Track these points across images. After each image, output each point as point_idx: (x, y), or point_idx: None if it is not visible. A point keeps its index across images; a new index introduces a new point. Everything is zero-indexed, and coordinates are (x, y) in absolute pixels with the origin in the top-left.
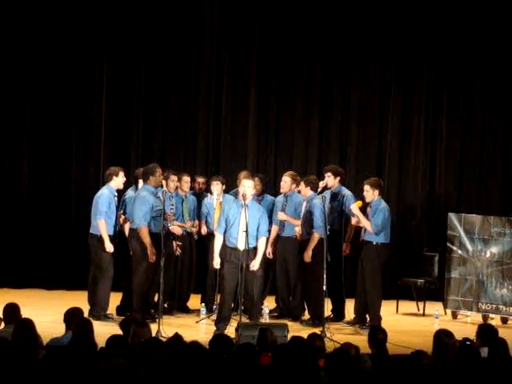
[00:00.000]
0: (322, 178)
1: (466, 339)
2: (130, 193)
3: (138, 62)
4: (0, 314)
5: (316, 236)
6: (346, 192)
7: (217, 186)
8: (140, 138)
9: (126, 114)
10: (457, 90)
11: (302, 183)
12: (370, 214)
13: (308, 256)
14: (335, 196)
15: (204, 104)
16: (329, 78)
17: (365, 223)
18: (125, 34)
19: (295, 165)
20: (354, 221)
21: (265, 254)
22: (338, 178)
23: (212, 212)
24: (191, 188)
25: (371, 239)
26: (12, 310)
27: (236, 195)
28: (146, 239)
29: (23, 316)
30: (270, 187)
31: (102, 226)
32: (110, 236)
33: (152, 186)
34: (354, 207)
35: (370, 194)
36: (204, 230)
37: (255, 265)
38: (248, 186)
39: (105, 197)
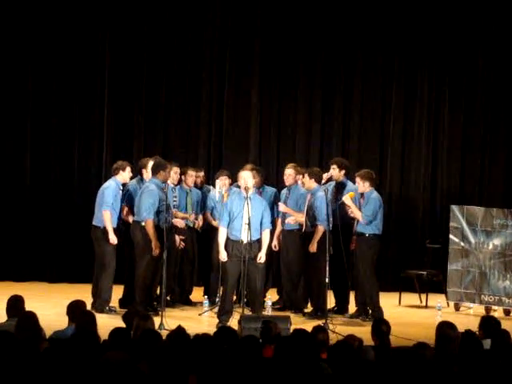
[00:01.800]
0: (326, 170)
1: (468, 331)
2: (133, 183)
3: (141, 55)
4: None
5: (320, 229)
6: (350, 185)
7: (225, 181)
8: (142, 131)
9: (129, 107)
10: (459, 82)
11: (306, 175)
12: (363, 205)
13: (313, 248)
14: (340, 188)
15: (206, 97)
16: (331, 70)
17: (356, 213)
18: (127, 27)
19: (297, 157)
20: (349, 211)
21: (269, 246)
22: (343, 171)
23: (218, 206)
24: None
25: (364, 231)
26: (16, 302)
27: (239, 187)
28: (151, 232)
29: (26, 309)
30: (272, 179)
31: (107, 217)
32: (113, 228)
33: (160, 181)
34: (347, 198)
35: (361, 185)
36: (208, 219)
37: (261, 257)
38: (247, 176)
39: (111, 189)
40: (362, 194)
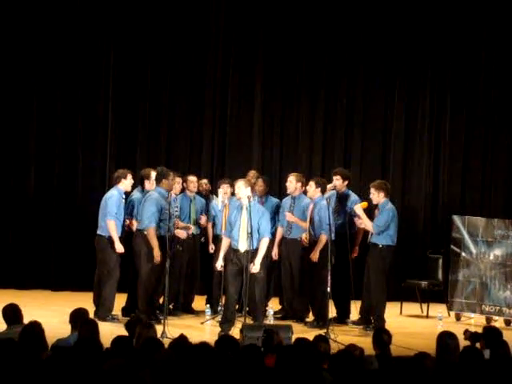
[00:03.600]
0: (329, 181)
1: (476, 333)
2: (136, 194)
3: (145, 62)
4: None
5: (323, 238)
6: (353, 196)
7: (227, 189)
8: (146, 139)
9: (132, 115)
10: (460, 91)
11: (313, 183)
12: (377, 215)
13: (315, 257)
14: (343, 199)
15: (209, 105)
16: (333, 79)
17: (367, 223)
18: (131, 34)
19: (300, 166)
20: (358, 222)
21: (270, 255)
22: (346, 182)
23: (219, 215)
24: (197, 191)
25: (377, 241)
26: (13, 310)
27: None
28: (153, 240)
29: (29, 317)
30: (275, 188)
31: (112, 226)
32: (119, 237)
33: (164, 189)
34: (358, 208)
35: (376, 196)
36: (209, 229)
37: (254, 266)
38: (237, 187)
39: (115, 198)
40: (375, 205)
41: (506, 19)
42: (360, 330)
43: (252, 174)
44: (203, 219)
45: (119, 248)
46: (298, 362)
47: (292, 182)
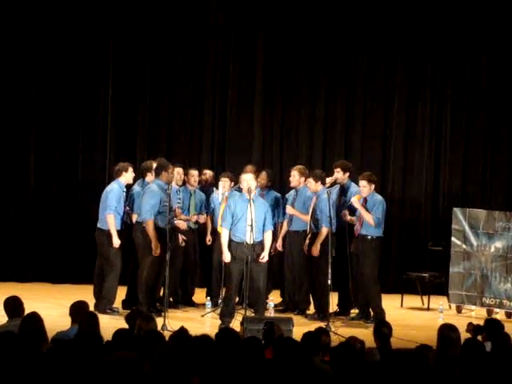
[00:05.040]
0: (329, 174)
1: (479, 326)
2: (136, 188)
3: (144, 56)
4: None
5: (324, 230)
6: (353, 188)
7: (225, 183)
8: (146, 132)
9: (132, 108)
10: (461, 84)
11: (311, 179)
12: (369, 208)
13: (316, 250)
14: (345, 191)
15: (210, 98)
16: (334, 72)
17: (366, 216)
18: (131, 28)
19: (300, 159)
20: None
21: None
22: (348, 174)
23: (218, 207)
24: (198, 182)
25: (366, 233)
26: (15, 303)
27: (240, 190)
28: (151, 232)
29: (29, 309)
30: (275, 182)
31: (111, 220)
32: (117, 231)
33: (163, 182)
34: (355, 200)
35: (368, 188)
36: (208, 222)
37: (264, 257)
38: (249, 179)
39: (115, 192)
40: (364, 197)
41: (507, 12)
42: (360, 322)
43: (250, 168)
44: (202, 218)
45: (116, 243)
46: (293, 353)
47: (295, 177)
